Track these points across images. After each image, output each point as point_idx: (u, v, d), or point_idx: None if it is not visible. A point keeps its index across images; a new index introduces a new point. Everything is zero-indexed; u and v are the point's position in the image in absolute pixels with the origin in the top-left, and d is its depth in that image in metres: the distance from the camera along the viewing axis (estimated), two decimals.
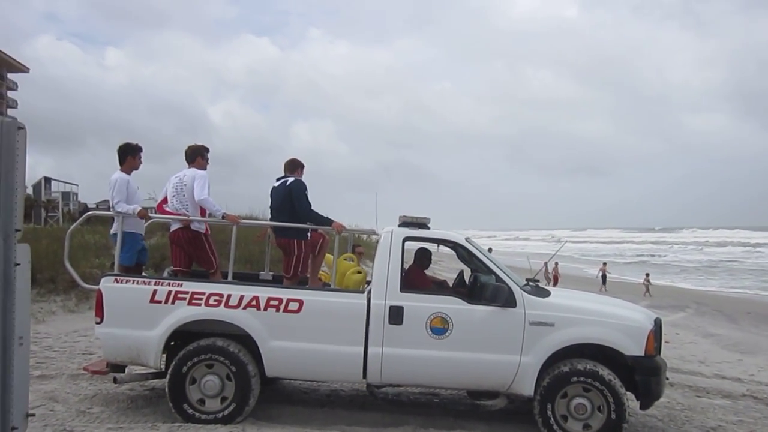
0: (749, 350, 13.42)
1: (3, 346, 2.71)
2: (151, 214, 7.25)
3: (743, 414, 7.64)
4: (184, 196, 6.98)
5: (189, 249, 7.02)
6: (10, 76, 72.47)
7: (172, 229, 7.11)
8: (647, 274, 29.94)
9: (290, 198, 6.95)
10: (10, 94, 72.39)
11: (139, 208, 6.85)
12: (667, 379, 6.59)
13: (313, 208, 6.96)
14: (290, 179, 7.10)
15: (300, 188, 7.01)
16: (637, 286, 29.99)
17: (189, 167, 7.16)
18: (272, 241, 7.69)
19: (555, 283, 25.46)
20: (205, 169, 7.19)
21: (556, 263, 28.20)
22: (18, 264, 2.75)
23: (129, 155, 7.20)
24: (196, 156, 7.20)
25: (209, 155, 7.36)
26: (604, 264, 32.40)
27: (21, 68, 73.62)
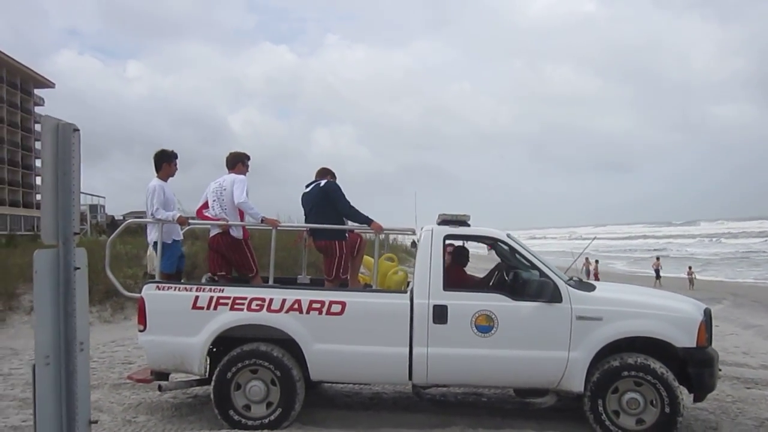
0: None
1: (66, 351, 2.67)
2: (190, 221, 7.22)
3: None
4: (223, 200, 6.96)
5: (229, 254, 6.99)
6: (36, 91, 73.95)
7: (211, 234, 7.08)
8: (690, 267, 30.13)
9: (327, 199, 6.91)
10: (37, 109, 73.80)
11: (179, 215, 6.89)
12: (720, 370, 6.42)
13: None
14: (323, 182, 7.05)
15: (335, 188, 6.98)
16: (673, 279, 29.89)
17: (229, 173, 7.15)
18: (309, 244, 7.63)
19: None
20: (244, 175, 7.17)
21: (597, 261, 28.50)
22: (78, 268, 2.71)
23: (165, 162, 7.23)
24: (237, 162, 7.21)
25: (250, 163, 7.37)
26: (657, 258, 32.50)
27: (47, 84, 75.11)
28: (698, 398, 6.20)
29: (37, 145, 74.59)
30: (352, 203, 6.95)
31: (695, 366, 5.96)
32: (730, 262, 46.61)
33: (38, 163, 74.79)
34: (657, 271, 30.85)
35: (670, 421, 5.83)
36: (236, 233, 6.95)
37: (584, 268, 25.52)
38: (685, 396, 6.05)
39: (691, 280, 28.86)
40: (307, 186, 7.21)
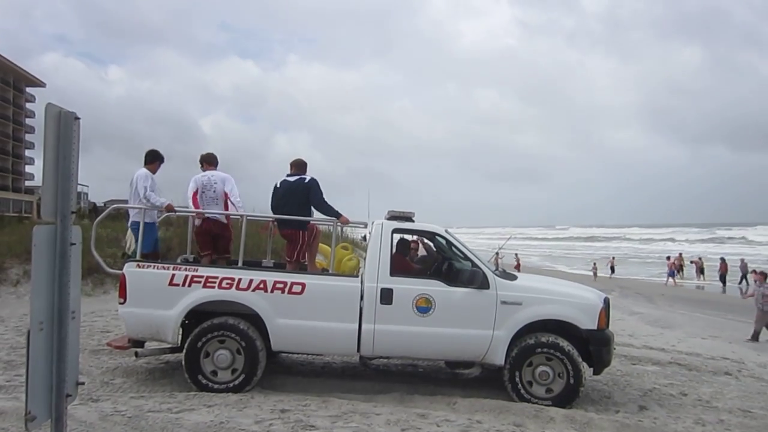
0: (668, 325, 13.65)
1: (59, 319, 2.49)
2: (176, 208, 7.06)
3: (672, 378, 7.72)
4: (214, 191, 6.98)
5: (221, 232, 7.02)
6: (28, 89, 70.74)
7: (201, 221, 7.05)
8: (594, 263, 31.59)
9: (308, 193, 6.74)
10: (28, 105, 70.75)
11: (167, 202, 6.72)
12: (614, 348, 6.58)
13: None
14: (307, 177, 6.85)
15: (317, 185, 6.79)
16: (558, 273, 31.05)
17: (205, 169, 7.17)
18: (274, 231, 7.46)
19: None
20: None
21: (516, 254, 29.73)
22: (73, 243, 2.53)
23: (156, 160, 7.22)
24: (214, 160, 7.26)
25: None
26: (613, 258, 33.99)
27: (38, 83, 71.88)
28: (597, 372, 6.32)
29: (28, 137, 71.48)
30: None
31: (596, 345, 6.08)
32: (630, 263, 48.21)
33: (28, 153, 71.80)
34: (612, 268, 32.28)
35: (574, 390, 5.94)
36: (224, 218, 7.03)
37: (494, 261, 26.25)
38: (585, 369, 6.19)
39: (595, 273, 30.16)
40: (290, 176, 6.94)
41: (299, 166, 7.01)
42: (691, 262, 32.68)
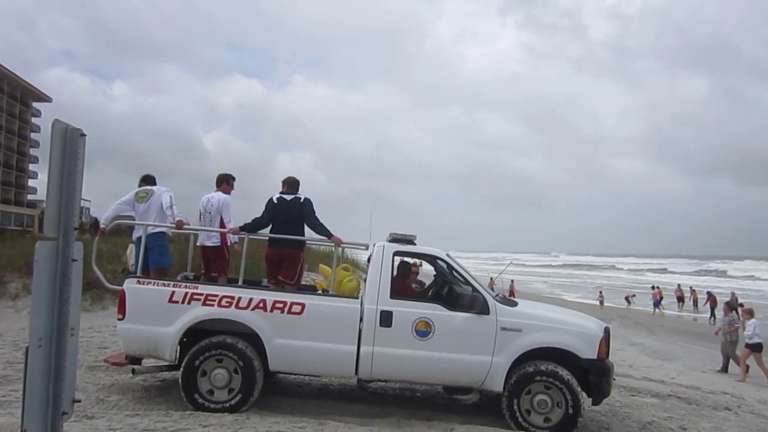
0: (668, 357, 13.54)
1: (58, 336, 2.47)
2: (186, 226, 7.17)
3: (671, 411, 7.63)
4: (210, 214, 7.12)
5: (215, 259, 7.16)
6: (34, 104, 71.28)
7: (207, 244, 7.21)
8: (601, 292, 31.61)
9: (302, 213, 6.70)
10: (34, 120, 71.22)
11: (179, 218, 6.84)
12: (614, 379, 6.51)
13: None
14: (302, 197, 6.82)
15: (311, 205, 6.78)
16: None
17: (216, 191, 7.29)
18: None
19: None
20: (229, 193, 7.35)
21: (512, 281, 29.68)
22: (75, 260, 2.52)
23: (155, 184, 7.40)
24: (223, 182, 7.36)
25: (234, 183, 7.52)
26: (633, 292, 33.92)
27: (45, 98, 72.49)
28: (596, 402, 6.24)
29: (32, 151, 71.82)
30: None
31: (595, 375, 6.02)
32: (617, 291, 47.96)
33: (31, 167, 72.06)
34: (629, 299, 32.35)
35: (572, 420, 5.85)
36: (215, 241, 7.12)
37: (490, 286, 26.14)
38: (584, 399, 6.12)
39: (602, 302, 30.16)
40: (285, 194, 6.83)
41: (292, 185, 6.92)
42: (691, 288, 32.60)
